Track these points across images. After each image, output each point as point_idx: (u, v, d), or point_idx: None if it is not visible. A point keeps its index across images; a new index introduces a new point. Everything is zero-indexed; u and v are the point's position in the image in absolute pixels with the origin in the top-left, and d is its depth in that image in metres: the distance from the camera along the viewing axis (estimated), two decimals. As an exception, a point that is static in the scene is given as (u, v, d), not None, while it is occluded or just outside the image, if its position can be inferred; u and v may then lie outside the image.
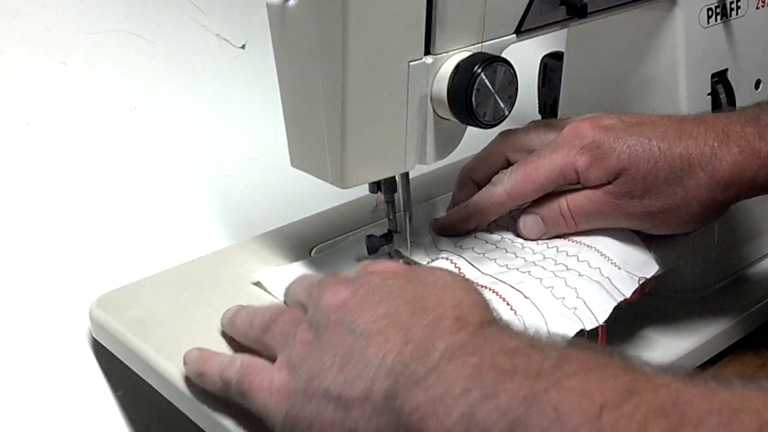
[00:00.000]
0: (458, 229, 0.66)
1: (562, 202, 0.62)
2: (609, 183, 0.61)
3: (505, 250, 0.63)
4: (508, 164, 0.65)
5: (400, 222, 0.63)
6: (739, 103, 0.73)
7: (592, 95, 0.77)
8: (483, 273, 0.61)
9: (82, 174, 0.70)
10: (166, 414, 0.63)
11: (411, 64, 0.55)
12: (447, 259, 0.62)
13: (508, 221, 0.66)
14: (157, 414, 0.65)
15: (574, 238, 0.64)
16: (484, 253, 0.63)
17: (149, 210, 0.73)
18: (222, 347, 0.56)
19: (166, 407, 0.56)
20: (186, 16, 0.79)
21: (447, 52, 0.57)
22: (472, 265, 0.62)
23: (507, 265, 0.61)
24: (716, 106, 0.73)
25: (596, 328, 0.56)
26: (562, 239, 0.64)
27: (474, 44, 0.58)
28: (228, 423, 0.50)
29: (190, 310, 0.60)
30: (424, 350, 0.43)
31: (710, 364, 0.70)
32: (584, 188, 0.62)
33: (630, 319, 0.70)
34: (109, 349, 0.60)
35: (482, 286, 0.58)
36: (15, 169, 0.67)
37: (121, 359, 0.59)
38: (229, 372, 0.50)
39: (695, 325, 0.70)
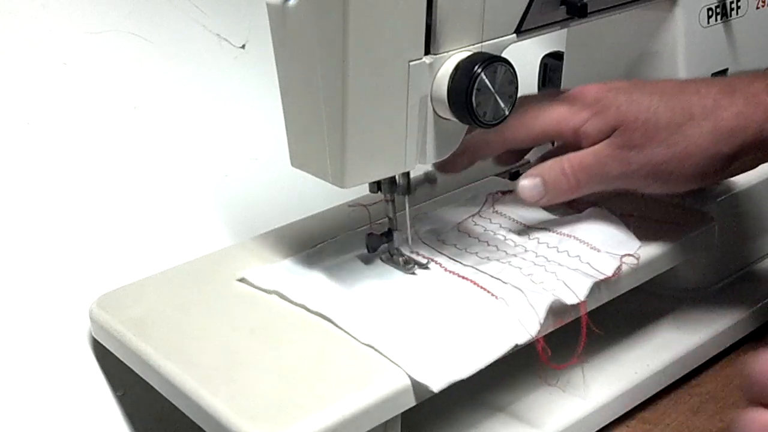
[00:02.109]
0: (451, 166, 0.65)
1: (563, 161, 0.61)
2: (608, 136, 0.60)
3: (487, 243, 0.64)
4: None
5: (401, 221, 0.63)
6: (739, 102, 0.73)
7: (592, 95, 0.77)
8: (464, 265, 0.62)
9: (83, 174, 0.70)
10: (166, 414, 0.63)
11: (411, 64, 0.55)
12: (427, 257, 0.63)
13: (491, 214, 0.68)
14: (157, 414, 0.65)
15: (554, 229, 0.65)
16: (465, 248, 0.64)
17: (149, 210, 0.73)
18: (222, 347, 0.56)
19: (166, 407, 0.56)
20: (186, 16, 0.79)
21: (447, 52, 0.57)
22: (453, 259, 0.63)
23: (488, 257, 0.62)
24: (716, 105, 0.73)
25: (578, 308, 0.58)
26: (542, 230, 0.65)
27: (474, 44, 0.58)
28: (228, 423, 0.50)
29: (190, 310, 0.60)
30: None
31: (710, 363, 0.70)
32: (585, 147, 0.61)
33: (630, 318, 0.71)
34: (109, 349, 0.60)
35: (462, 277, 0.60)
36: (15, 169, 0.67)
37: (121, 359, 0.59)
38: None
39: (695, 325, 0.70)
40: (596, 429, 0.63)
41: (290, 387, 0.52)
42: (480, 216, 0.68)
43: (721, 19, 0.72)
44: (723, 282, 0.75)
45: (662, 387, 0.67)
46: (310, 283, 0.61)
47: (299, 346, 0.56)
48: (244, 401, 0.51)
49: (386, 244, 0.63)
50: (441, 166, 0.66)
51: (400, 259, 0.63)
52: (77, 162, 0.71)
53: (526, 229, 0.66)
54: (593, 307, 0.61)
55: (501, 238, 0.65)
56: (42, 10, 0.72)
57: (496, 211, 0.68)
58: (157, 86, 0.77)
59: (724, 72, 0.73)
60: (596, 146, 0.60)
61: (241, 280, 0.63)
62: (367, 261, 0.64)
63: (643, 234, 0.65)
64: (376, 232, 0.64)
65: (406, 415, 0.54)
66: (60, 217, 0.68)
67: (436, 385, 0.51)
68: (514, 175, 0.78)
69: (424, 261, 0.63)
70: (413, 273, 0.62)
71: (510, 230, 0.66)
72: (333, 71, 0.54)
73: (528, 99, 0.65)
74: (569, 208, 0.69)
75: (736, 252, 0.76)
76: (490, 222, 0.67)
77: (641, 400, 0.66)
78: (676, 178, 0.61)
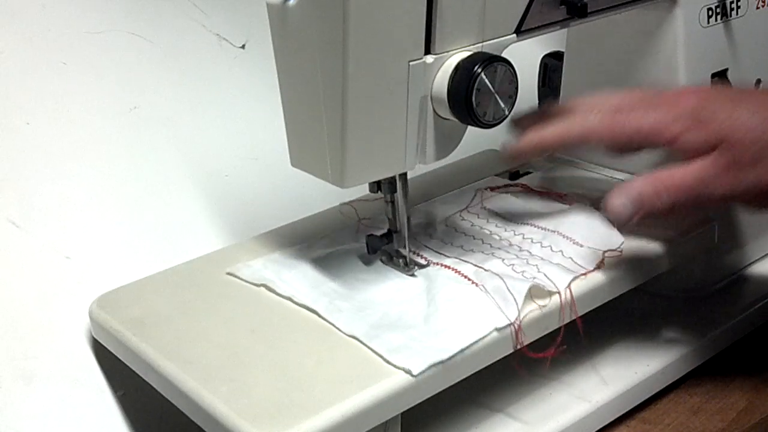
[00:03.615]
0: (521, 155, 0.62)
1: (657, 180, 0.57)
2: (709, 152, 0.56)
3: (473, 237, 0.65)
4: None
5: (399, 222, 0.63)
6: (739, 103, 0.73)
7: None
8: (447, 256, 0.63)
9: (82, 174, 0.70)
10: (166, 414, 0.63)
11: (411, 64, 0.55)
12: (413, 251, 0.63)
13: (478, 209, 0.69)
14: (157, 414, 0.65)
15: (539, 224, 0.66)
16: (451, 242, 0.65)
17: (149, 210, 0.73)
18: (222, 347, 0.56)
19: (166, 407, 0.56)
20: (186, 16, 0.79)
21: (447, 52, 0.57)
22: (438, 252, 0.64)
23: (472, 249, 0.64)
24: (716, 106, 0.73)
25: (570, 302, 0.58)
26: (527, 226, 0.66)
27: (474, 44, 0.58)
28: (228, 423, 0.50)
29: (189, 310, 0.60)
30: None
31: (710, 363, 0.70)
32: (684, 161, 0.57)
33: (630, 319, 0.71)
34: (109, 349, 0.60)
35: (445, 266, 0.61)
36: (15, 169, 0.68)
37: (121, 359, 0.59)
38: None
39: (695, 325, 0.70)
40: (596, 429, 0.63)
41: (290, 387, 0.52)
42: (468, 211, 0.69)
43: (721, 19, 0.72)
44: (722, 282, 0.75)
45: (662, 387, 0.67)
46: (297, 276, 0.62)
47: (299, 345, 0.56)
48: (244, 401, 0.51)
49: (386, 246, 0.63)
50: (521, 154, 0.62)
51: (400, 260, 0.63)
52: (77, 162, 0.71)
53: (511, 225, 0.67)
54: (592, 307, 0.61)
55: (487, 233, 0.66)
56: (42, 10, 0.72)
57: (484, 207, 0.69)
58: (157, 86, 0.77)
59: (724, 72, 0.73)
60: (697, 164, 0.57)
61: (230, 273, 0.63)
62: (366, 263, 0.64)
63: (642, 234, 0.65)
64: (375, 233, 0.64)
65: (406, 415, 0.54)
66: (60, 218, 0.68)
67: (416, 367, 0.52)
68: (514, 175, 0.78)
69: (425, 263, 0.63)
70: (413, 275, 0.62)
71: (496, 225, 0.67)
72: (333, 71, 0.54)
73: (610, 96, 0.61)
74: (560, 201, 0.70)
75: (736, 252, 0.76)
76: (478, 217, 0.68)
77: (641, 400, 0.66)
78: None
